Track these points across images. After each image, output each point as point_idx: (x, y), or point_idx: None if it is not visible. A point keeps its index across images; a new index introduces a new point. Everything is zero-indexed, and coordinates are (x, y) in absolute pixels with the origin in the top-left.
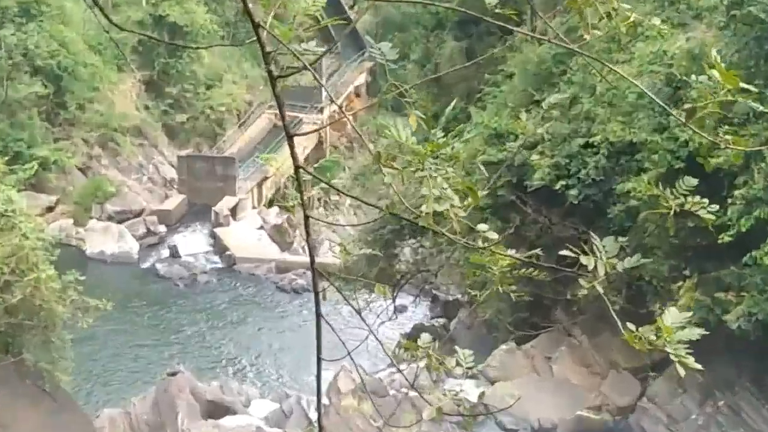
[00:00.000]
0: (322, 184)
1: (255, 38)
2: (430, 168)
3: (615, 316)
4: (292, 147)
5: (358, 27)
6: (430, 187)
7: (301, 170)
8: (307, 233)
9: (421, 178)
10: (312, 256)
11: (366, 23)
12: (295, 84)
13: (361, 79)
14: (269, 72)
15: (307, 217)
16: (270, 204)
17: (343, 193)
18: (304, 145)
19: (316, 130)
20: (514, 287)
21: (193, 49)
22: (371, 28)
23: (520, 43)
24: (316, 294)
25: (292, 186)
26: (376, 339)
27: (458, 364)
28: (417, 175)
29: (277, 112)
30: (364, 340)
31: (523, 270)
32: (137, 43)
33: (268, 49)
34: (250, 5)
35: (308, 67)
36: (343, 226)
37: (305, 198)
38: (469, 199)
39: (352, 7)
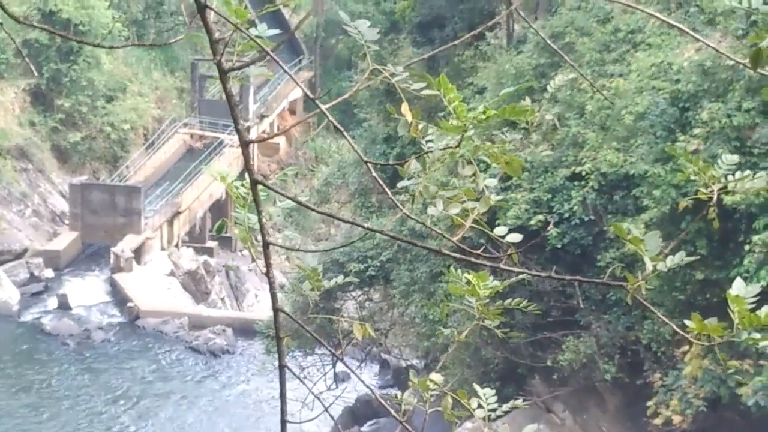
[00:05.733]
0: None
1: (173, 40)
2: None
3: None
4: (247, 156)
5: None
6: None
7: (259, 186)
8: (267, 264)
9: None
10: (274, 295)
11: (304, 24)
12: (215, 97)
13: (297, 92)
14: (219, 64)
15: (266, 245)
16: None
17: (319, 211)
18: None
19: (271, 136)
20: (500, 320)
21: (96, 52)
22: (311, 30)
23: (493, 51)
24: (279, 340)
25: (211, 222)
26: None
27: (479, 405)
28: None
29: (194, 132)
30: (329, 407)
31: (509, 301)
32: (22, 44)
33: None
34: None
35: (270, 54)
36: (314, 252)
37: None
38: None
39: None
